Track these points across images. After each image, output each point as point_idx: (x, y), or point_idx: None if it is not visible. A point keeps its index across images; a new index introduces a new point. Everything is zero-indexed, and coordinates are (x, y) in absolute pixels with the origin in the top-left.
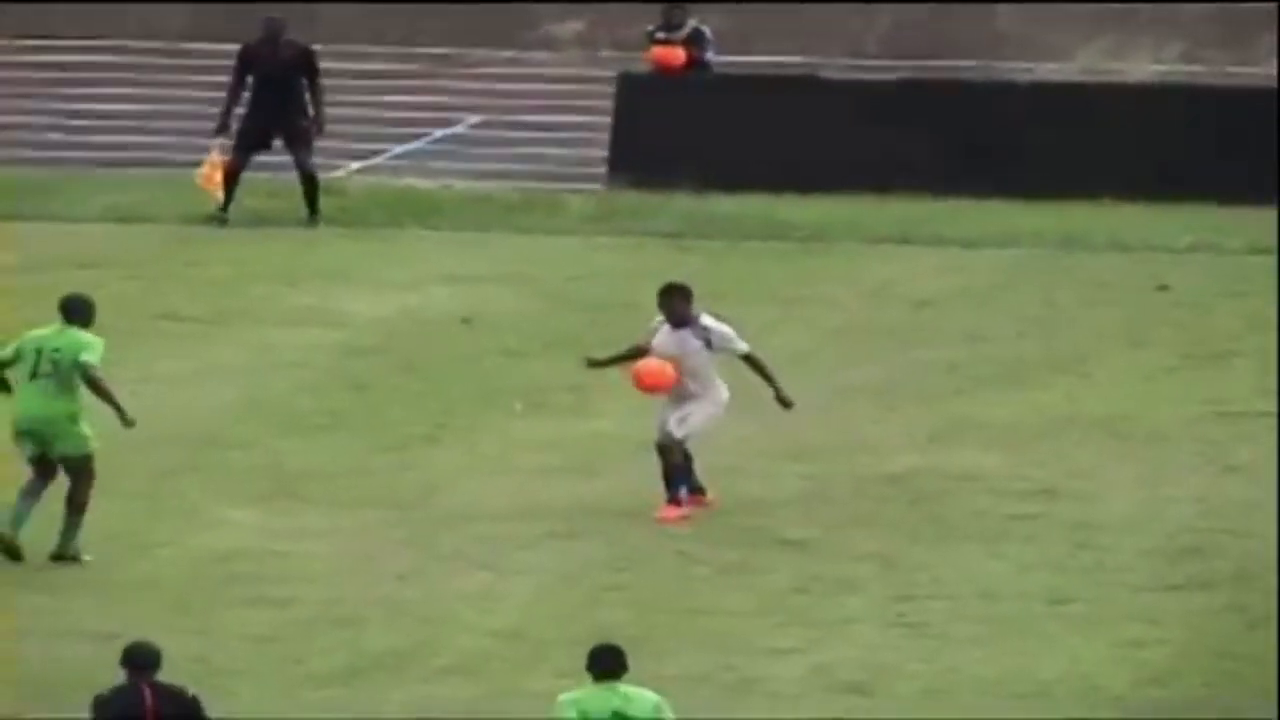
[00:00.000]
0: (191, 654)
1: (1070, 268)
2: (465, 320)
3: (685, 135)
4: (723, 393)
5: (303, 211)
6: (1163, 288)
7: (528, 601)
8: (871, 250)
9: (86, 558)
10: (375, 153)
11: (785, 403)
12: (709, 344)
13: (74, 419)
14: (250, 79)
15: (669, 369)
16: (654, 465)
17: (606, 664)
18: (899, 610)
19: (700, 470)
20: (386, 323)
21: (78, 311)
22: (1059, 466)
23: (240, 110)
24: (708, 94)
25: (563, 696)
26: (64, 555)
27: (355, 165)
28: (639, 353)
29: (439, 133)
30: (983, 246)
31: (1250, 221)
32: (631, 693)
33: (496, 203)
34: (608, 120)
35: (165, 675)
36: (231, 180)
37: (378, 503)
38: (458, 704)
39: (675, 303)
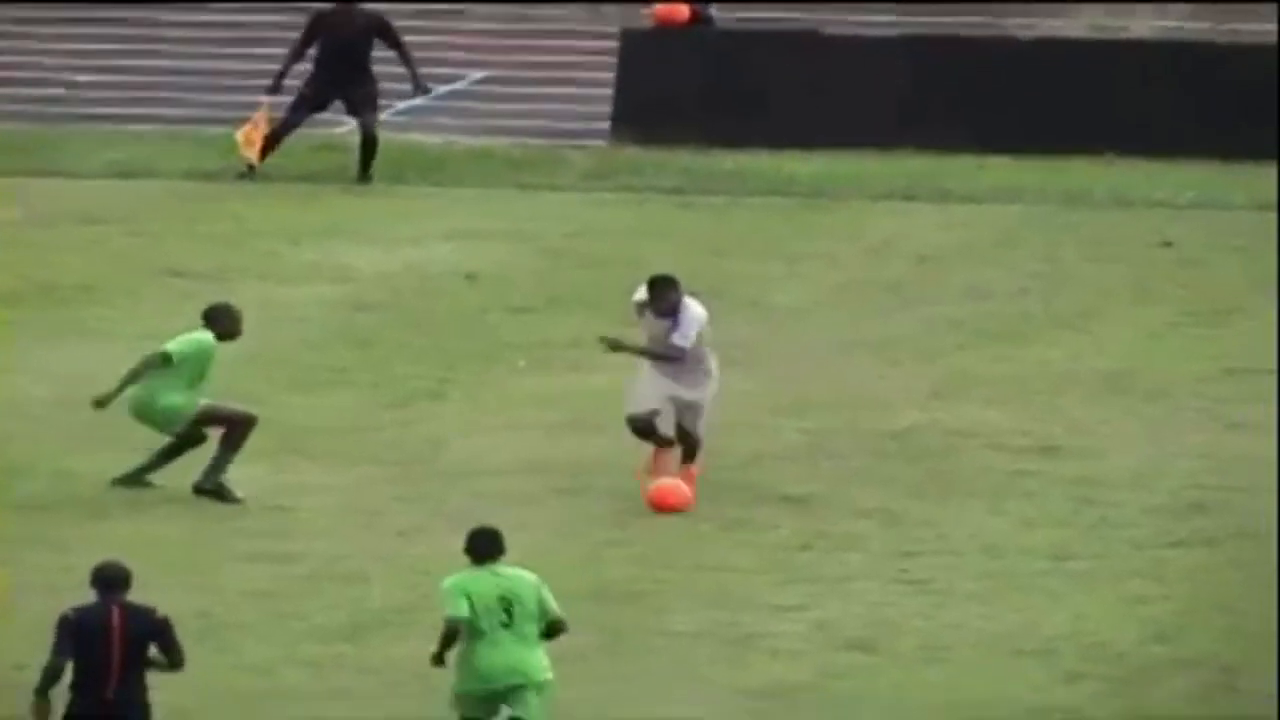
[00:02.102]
0: (195, 609)
1: (1073, 224)
2: (468, 276)
3: (688, 91)
4: (714, 363)
5: (353, 170)
6: (1165, 244)
7: (530, 557)
8: (874, 206)
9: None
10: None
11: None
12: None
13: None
14: (317, 45)
15: (683, 488)
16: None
17: (485, 548)
18: (901, 566)
19: (703, 427)
20: (390, 279)
21: (212, 320)
22: (1062, 422)
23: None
24: (710, 50)
25: (446, 582)
26: (204, 488)
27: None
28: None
29: (442, 89)
30: (985, 202)
31: (1253, 178)
32: (511, 573)
33: (500, 159)
34: (611, 76)
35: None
36: (278, 140)
37: (381, 459)
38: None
39: (667, 295)
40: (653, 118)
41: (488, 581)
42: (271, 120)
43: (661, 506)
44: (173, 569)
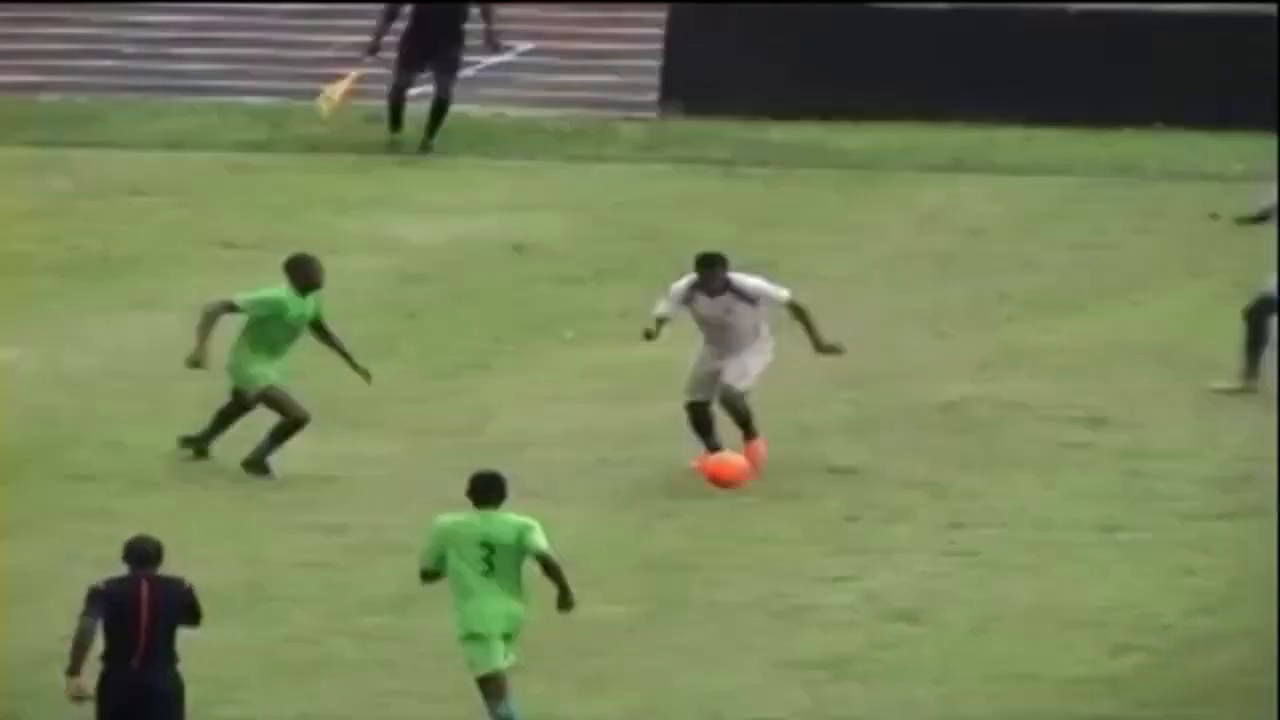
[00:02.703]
0: (244, 580)
1: (1122, 196)
2: (517, 247)
3: (737, 63)
4: (769, 340)
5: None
6: (1214, 216)
7: (580, 529)
8: (923, 178)
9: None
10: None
11: (831, 349)
12: (754, 302)
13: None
14: (408, 7)
15: (734, 460)
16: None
17: (484, 492)
18: (950, 538)
19: (750, 399)
20: (438, 250)
21: (289, 272)
22: (1111, 395)
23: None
24: (760, 22)
25: (433, 527)
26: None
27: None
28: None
29: (491, 60)
30: (1034, 174)
31: None
32: (498, 518)
33: (548, 131)
34: (660, 48)
35: (217, 601)
36: (401, 100)
37: (429, 430)
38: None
39: (717, 272)
40: (702, 89)
41: (472, 526)
42: (363, 79)
43: (717, 481)
44: (221, 540)
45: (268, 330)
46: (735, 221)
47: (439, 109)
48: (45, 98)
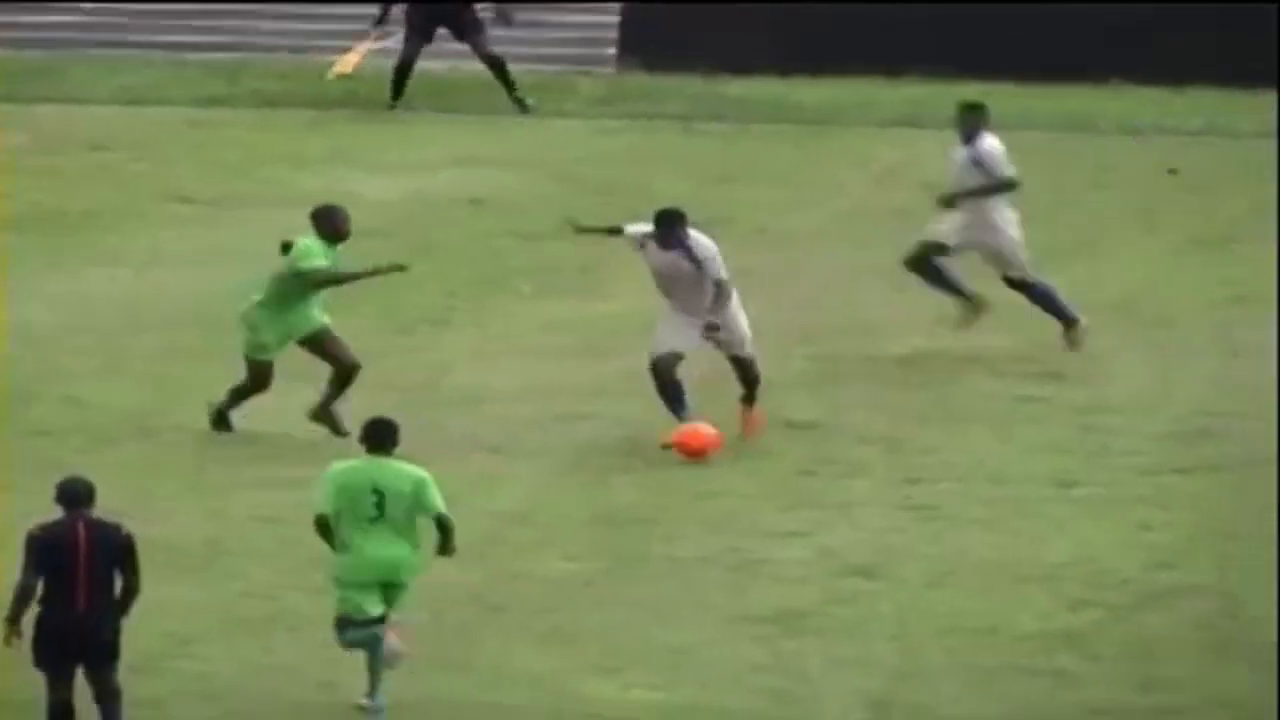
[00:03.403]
0: (203, 536)
1: (1079, 151)
2: (474, 202)
3: (694, 18)
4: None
5: (501, 96)
6: (1172, 171)
7: (537, 484)
8: (881, 133)
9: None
10: (384, 35)
11: (711, 327)
12: (698, 265)
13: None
14: None
15: (705, 430)
16: None
17: (377, 438)
18: (906, 493)
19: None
20: (395, 205)
21: (316, 221)
22: (1065, 350)
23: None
24: None
25: (326, 473)
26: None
27: (364, 47)
28: (617, 231)
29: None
30: (991, 130)
31: (1260, 105)
32: (391, 466)
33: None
34: (618, 3)
35: (176, 556)
36: (406, 72)
37: (387, 385)
38: (465, 587)
39: (675, 228)
40: (659, 44)
41: (364, 473)
42: (373, 51)
43: (686, 451)
44: (180, 495)
45: (290, 284)
46: (693, 177)
47: (495, 67)
48: (1, 52)
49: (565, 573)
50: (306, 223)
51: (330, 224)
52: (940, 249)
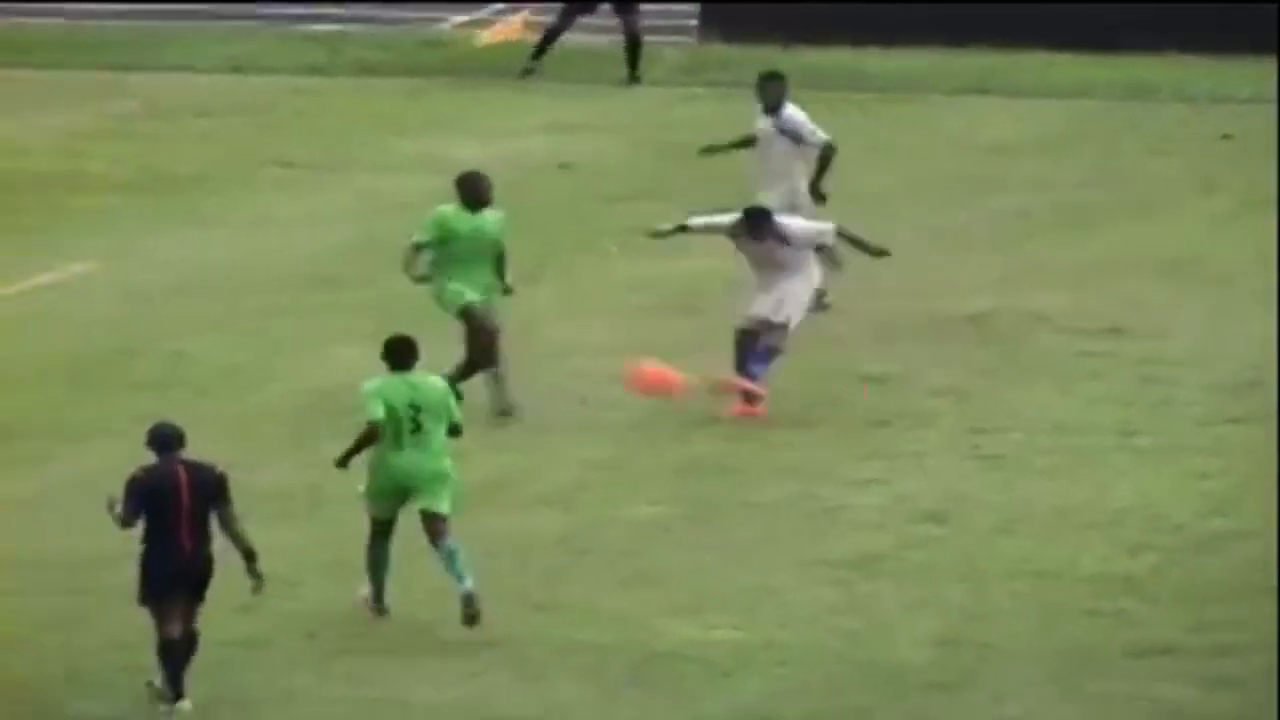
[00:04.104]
0: (305, 482)
1: (1137, 118)
2: (564, 166)
3: None
4: (815, 271)
5: (622, 72)
6: (1226, 137)
7: (622, 434)
8: (948, 101)
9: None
10: (478, 5)
11: (881, 252)
12: (795, 245)
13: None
14: None
15: (668, 376)
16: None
17: (401, 356)
18: (975, 443)
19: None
20: (488, 169)
21: (460, 188)
22: (1126, 306)
23: None
24: None
25: (365, 386)
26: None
27: (459, 18)
28: (684, 229)
29: None
30: (1055, 97)
31: None
32: (421, 381)
33: (595, 55)
34: None
35: (279, 503)
36: (552, 40)
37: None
38: (554, 532)
39: (763, 226)
40: (739, 15)
41: (401, 389)
42: (527, 26)
43: (639, 383)
44: (283, 446)
45: (449, 250)
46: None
47: (631, 44)
48: (114, 23)
49: (649, 518)
50: (405, 186)
51: (470, 190)
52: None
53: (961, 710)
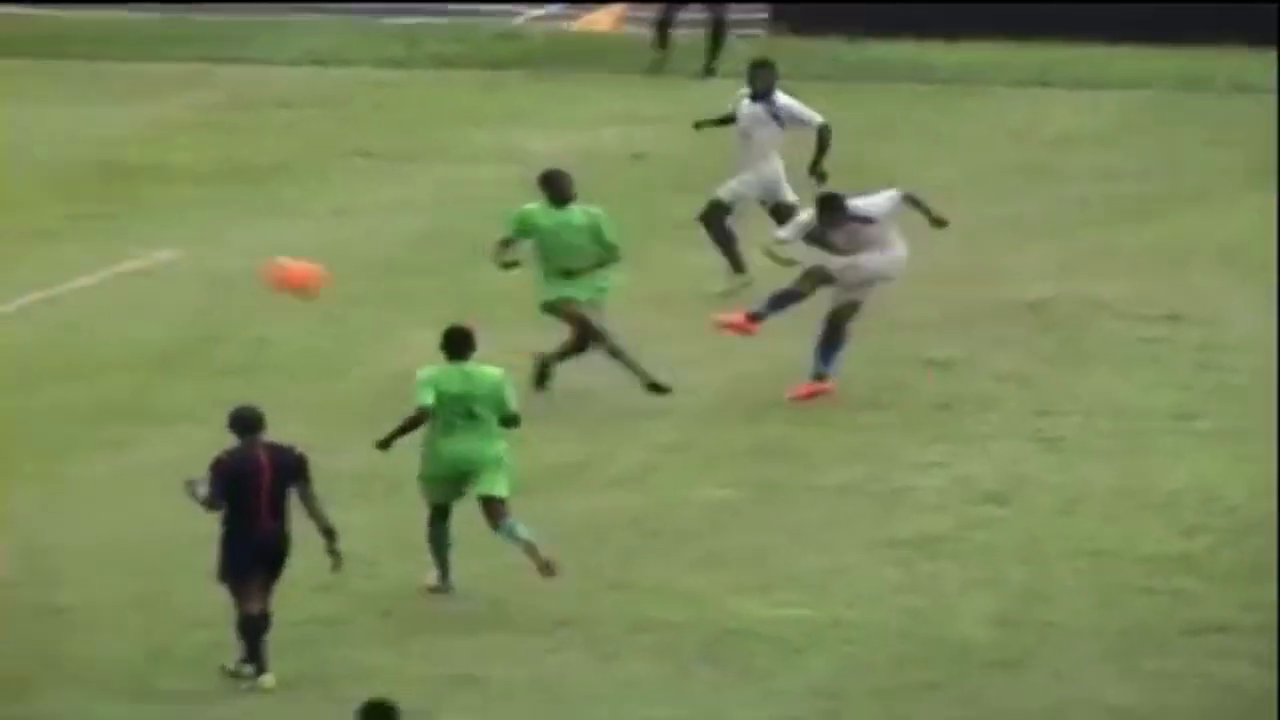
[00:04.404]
0: (383, 465)
1: (1195, 109)
2: (636, 156)
3: None
4: (897, 249)
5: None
6: None
7: (692, 417)
8: (1012, 93)
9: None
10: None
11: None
12: (875, 222)
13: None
14: None
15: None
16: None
17: (458, 346)
18: (1036, 426)
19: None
20: (562, 159)
21: (543, 185)
22: (1184, 294)
23: None
24: None
25: (420, 373)
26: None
27: (534, 11)
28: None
29: None
30: (1114, 89)
31: None
32: (475, 371)
33: (668, 48)
34: None
35: (357, 485)
36: (665, 30)
37: (552, 325)
38: (627, 513)
39: (835, 216)
40: (808, 10)
41: (455, 377)
42: (622, 19)
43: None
44: (360, 429)
45: (542, 248)
46: (836, 134)
47: (716, 37)
48: (199, 17)
49: (719, 500)
50: (480, 176)
51: (551, 187)
52: (728, 209)
53: (1022, 687)
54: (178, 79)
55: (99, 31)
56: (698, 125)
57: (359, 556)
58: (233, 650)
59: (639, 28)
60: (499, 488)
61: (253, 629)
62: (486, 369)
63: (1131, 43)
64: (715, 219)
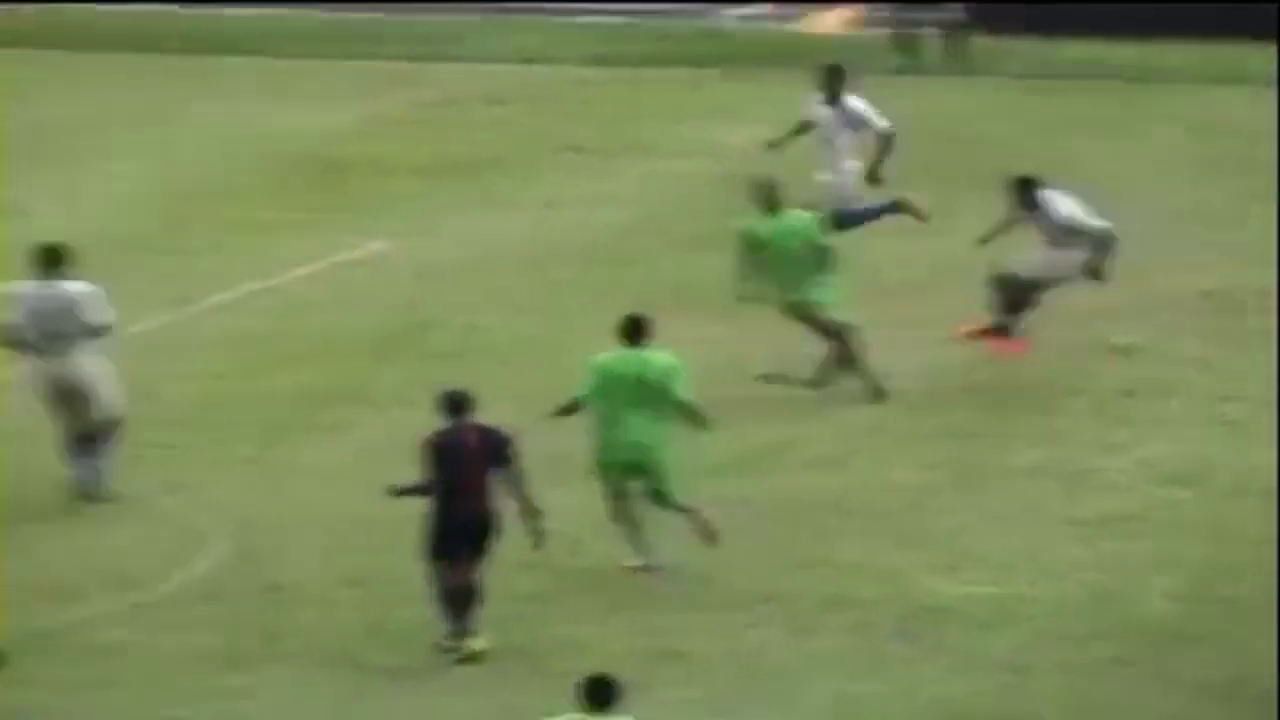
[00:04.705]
0: (588, 448)
1: None
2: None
3: None
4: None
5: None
6: None
7: (890, 401)
8: (1194, 90)
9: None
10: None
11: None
12: (1057, 221)
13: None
14: None
15: None
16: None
17: (635, 334)
18: (1218, 410)
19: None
20: (762, 156)
21: (752, 194)
22: None
23: None
24: None
25: (592, 360)
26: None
27: (736, 12)
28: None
29: None
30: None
31: None
32: (650, 357)
33: (863, 46)
34: None
35: (562, 466)
36: (906, 32)
37: (749, 312)
38: (826, 494)
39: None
40: (1003, 10)
41: (631, 363)
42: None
43: None
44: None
45: (765, 257)
46: (1026, 129)
47: (957, 33)
48: (415, 18)
49: (914, 481)
50: (684, 170)
51: (759, 196)
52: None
53: (1203, 661)
54: (391, 76)
55: (319, 30)
56: (771, 144)
57: (563, 535)
58: (440, 626)
59: (873, 29)
60: (663, 474)
61: (460, 598)
62: (659, 355)
63: None
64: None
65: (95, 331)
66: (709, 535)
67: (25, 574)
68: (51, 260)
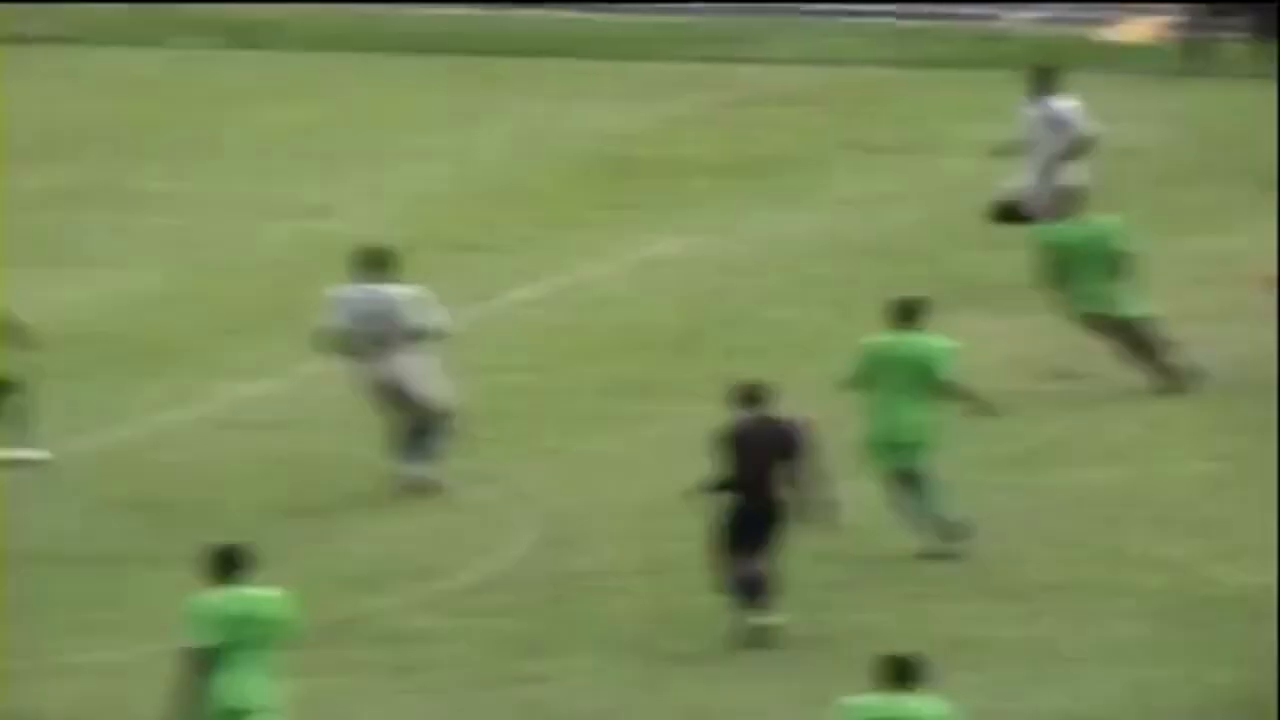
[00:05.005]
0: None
1: None
2: (1125, 152)
3: None
4: None
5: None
6: None
7: (1180, 393)
8: None
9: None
10: (1042, 4)
11: None
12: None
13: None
14: None
15: None
16: None
17: (906, 317)
18: None
19: None
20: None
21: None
22: None
23: None
24: None
25: (864, 342)
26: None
27: (1024, 14)
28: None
29: None
30: None
31: None
32: (916, 341)
33: (1151, 50)
34: None
35: (860, 459)
36: (1198, 40)
37: (1035, 309)
38: (1115, 485)
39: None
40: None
41: (899, 348)
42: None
43: None
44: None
45: (1072, 264)
46: None
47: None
48: (705, 19)
49: (1201, 472)
50: (966, 169)
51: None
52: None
53: None
54: (686, 77)
55: (617, 32)
56: (994, 153)
57: (856, 526)
58: (734, 615)
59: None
60: (918, 458)
61: (749, 584)
62: (929, 338)
63: None
64: (1004, 218)
65: (417, 334)
66: (959, 534)
67: (333, 562)
68: (374, 263)
